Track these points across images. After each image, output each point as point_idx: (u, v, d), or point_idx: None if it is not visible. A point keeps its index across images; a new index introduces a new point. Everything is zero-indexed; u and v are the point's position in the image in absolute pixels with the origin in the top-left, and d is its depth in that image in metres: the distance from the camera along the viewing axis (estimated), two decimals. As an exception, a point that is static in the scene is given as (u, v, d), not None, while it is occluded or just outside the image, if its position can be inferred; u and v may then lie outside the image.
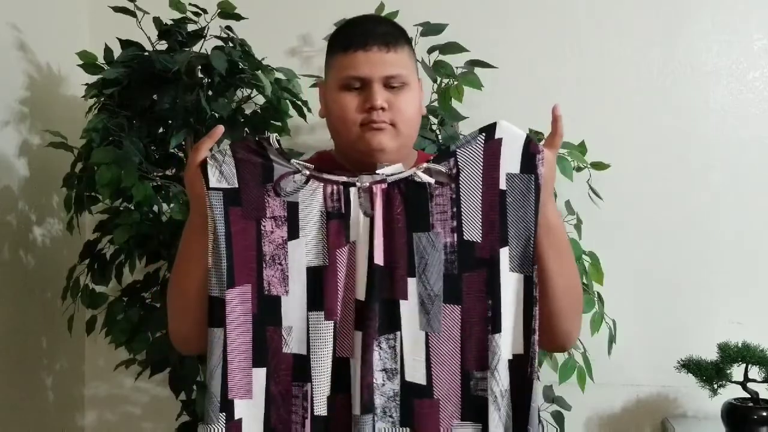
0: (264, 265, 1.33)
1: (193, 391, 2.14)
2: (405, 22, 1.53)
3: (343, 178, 1.35)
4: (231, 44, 2.12)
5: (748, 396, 2.16)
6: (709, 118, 2.41)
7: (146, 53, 2.08)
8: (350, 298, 1.33)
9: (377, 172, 1.36)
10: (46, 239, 2.41)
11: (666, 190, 2.41)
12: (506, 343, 1.30)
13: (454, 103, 2.22)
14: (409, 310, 1.32)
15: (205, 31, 2.13)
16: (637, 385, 2.42)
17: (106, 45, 2.13)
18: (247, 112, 2.20)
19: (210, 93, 2.10)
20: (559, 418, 2.25)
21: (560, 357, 2.26)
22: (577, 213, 2.28)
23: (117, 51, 2.11)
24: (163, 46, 2.13)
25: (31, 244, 2.34)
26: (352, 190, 1.35)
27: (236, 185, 1.33)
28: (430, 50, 2.21)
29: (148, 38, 2.11)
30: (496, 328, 1.30)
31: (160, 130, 2.14)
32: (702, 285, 2.39)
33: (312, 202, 1.35)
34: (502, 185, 1.32)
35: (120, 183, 1.96)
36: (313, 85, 2.24)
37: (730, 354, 2.16)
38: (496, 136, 1.34)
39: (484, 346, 1.31)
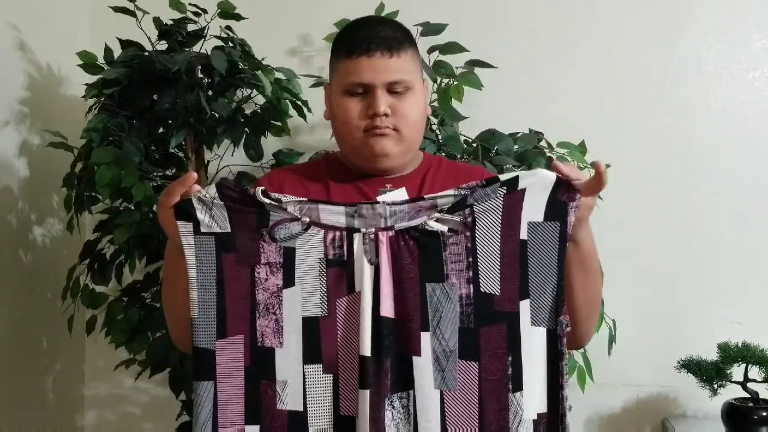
0: (257, 315, 1.26)
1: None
2: (405, 22, 1.53)
3: (342, 216, 1.27)
4: (231, 44, 2.12)
5: (748, 396, 2.16)
6: (709, 118, 2.40)
7: (146, 53, 2.08)
8: (352, 352, 1.25)
9: (378, 199, 1.31)
10: (46, 239, 2.41)
11: (666, 190, 2.40)
12: (529, 401, 1.23)
13: (454, 103, 2.22)
14: (422, 366, 1.24)
15: (205, 31, 2.13)
16: (637, 385, 2.42)
17: (106, 45, 2.13)
18: (247, 112, 2.20)
19: (210, 93, 2.10)
20: (559, 418, 2.24)
21: (560, 357, 2.27)
22: (577, 213, 2.28)
23: (117, 51, 2.11)
24: (163, 46, 2.13)
25: (31, 244, 2.34)
26: (357, 237, 1.27)
27: (229, 229, 1.25)
28: (430, 50, 2.21)
29: (148, 38, 2.11)
30: (518, 386, 1.24)
31: (160, 130, 2.14)
32: (702, 285, 2.39)
33: (310, 248, 1.27)
34: (523, 235, 1.25)
35: (120, 183, 1.96)
36: (314, 85, 2.24)
37: (730, 354, 2.16)
38: (519, 187, 1.26)
39: (503, 405, 1.24)
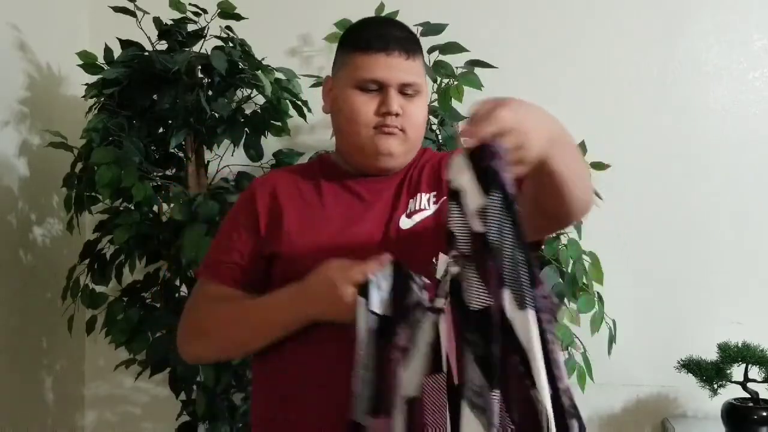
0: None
1: (193, 391, 2.14)
2: (405, 22, 1.52)
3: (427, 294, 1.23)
4: (231, 44, 2.12)
5: (748, 396, 2.16)
6: (709, 118, 2.40)
7: (146, 53, 2.08)
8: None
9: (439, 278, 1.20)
10: (46, 239, 2.41)
11: (666, 190, 2.40)
12: (545, 393, 1.08)
13: (454, 103, 2.22)
14: (468, 424, 1.13)
15: (205, 31, 2.13)
16: (637, 385, 2.42)
17: (106, 45, 2.13)
18: (247, 112, 2.20)
19: (210, 93, 2.10)
20: (559, 418, 2.24)
21: (560, 357, 2.26)
22: (577, 213, 2.28)
23: (117, 51, 2.11)
24: (163, 46, 2.13)
25: (31, 244, 2.34)
26: (442, 318, 1.19)
27: (387, 313, 1.24)
28: (430, 50, 2.21)
29: (148, 38, 2.11)
30: (533, 382, 1.09)
31: (160, 130, 2.14)
32: (702, 285, 2.38)
33: (423, 332, 1.21)
34: (479, 227, 1.11)
35: (120, 183, 1.96)
36: (314, 85, 2.24)
37: (730, 354, 2.16)
38: (452, 188, 1.13)
39: (533, 410, 1.09)
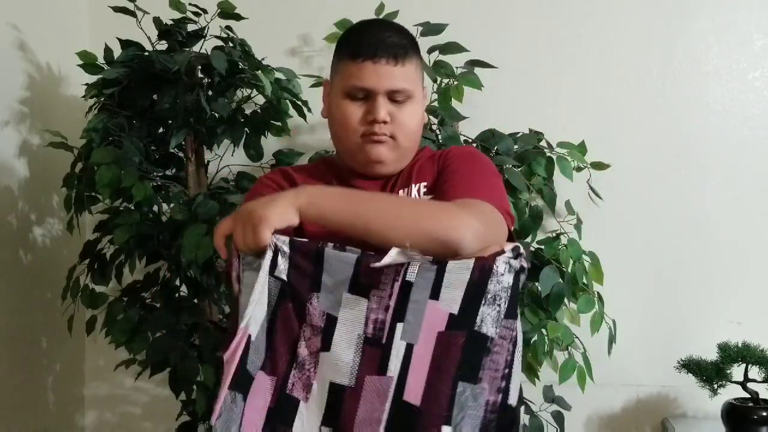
0: (294, 366, 1.28)
1: (193, 391, 2.14)
2: (405, 22, 1.53)
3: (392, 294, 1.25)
4: (231, 44, 2.12)
5: (748, 396, 2.16)
6: (709, 118, 2.40)
7: (146, 53, 2.08)
8: (369, 429, 1.23)
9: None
10: (46, 239, 2.41)
11: (666, 190, 2.40)
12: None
13: (454, 103, 2.22)
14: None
15: (205, 31, 2.13)
16: (637, 385, 2.42)
17: (106, 45, 2.13)
18: (247, 112, 2.20)
19: (210, 93, 2.10)
20: (559, 418, 2.24)
21: (560, 357, 2.26)
22: (577, 213, 2.28)
23: (117, 51, 2.11)
24: (163, 46, 2.13)
25: (31, 244, 2.34)
26: (399, 327, 1.24)
27: (289, 281, 1.28)
28: (430, 50, 2.21)
29: (148, 38, 2.11)
30: None
31: (160, 130, 2.14)
32: (702, 285, 2.39)
33: (353, 320, 1.26)
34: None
35: (120, 183, 1.96)
36: (314, 85, 2.24)
37: (730, 354, 2.16)
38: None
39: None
